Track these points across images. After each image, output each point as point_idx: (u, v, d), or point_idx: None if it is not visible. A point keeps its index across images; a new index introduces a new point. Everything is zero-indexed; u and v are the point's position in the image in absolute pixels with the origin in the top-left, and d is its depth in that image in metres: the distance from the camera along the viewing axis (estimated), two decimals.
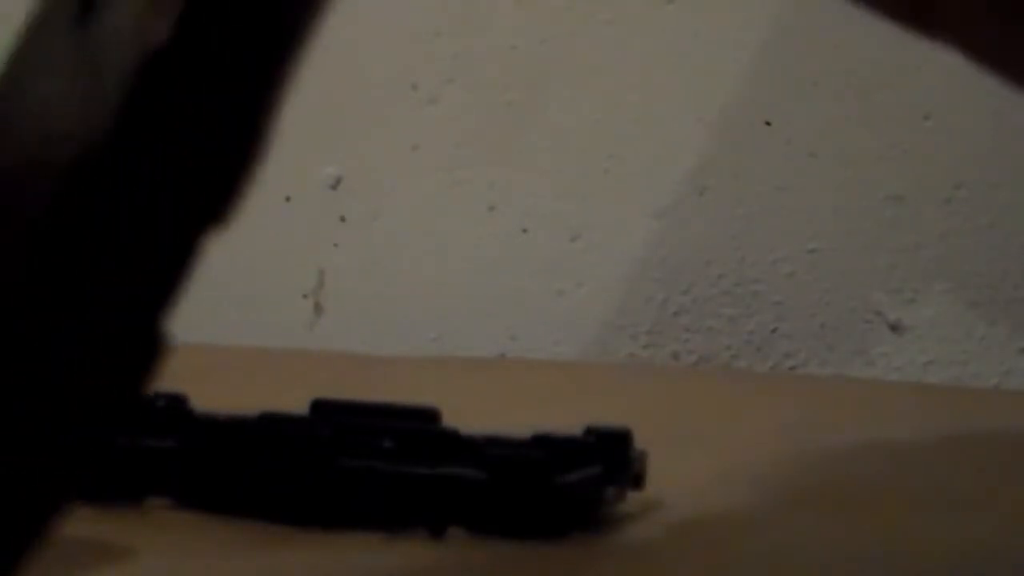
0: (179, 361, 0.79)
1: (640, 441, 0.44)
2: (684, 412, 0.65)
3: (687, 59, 0.98)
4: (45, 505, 0.25)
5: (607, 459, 0.43)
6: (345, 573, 0.38)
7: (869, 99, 0.96)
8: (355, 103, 1.02)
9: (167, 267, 0.25)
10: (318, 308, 1.02)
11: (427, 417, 0.46)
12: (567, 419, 0.45)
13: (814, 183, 0.97)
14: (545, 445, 0.43)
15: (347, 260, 1.02)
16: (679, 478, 0.48)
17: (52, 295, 0.24)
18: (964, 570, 0.39)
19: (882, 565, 0.39)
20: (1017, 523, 0.45)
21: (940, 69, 0.95)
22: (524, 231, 1.00)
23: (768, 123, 0.97)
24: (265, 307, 1.03)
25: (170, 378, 0.52)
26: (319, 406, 0.47)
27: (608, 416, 0.46)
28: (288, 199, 1.03)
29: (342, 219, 1.02)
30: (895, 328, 0.96)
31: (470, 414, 0.46)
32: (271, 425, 0.44)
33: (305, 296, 1.03)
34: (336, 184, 1.02)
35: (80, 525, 0.42)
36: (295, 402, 0.46)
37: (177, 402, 0.47)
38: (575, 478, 0.41)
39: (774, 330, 0.97)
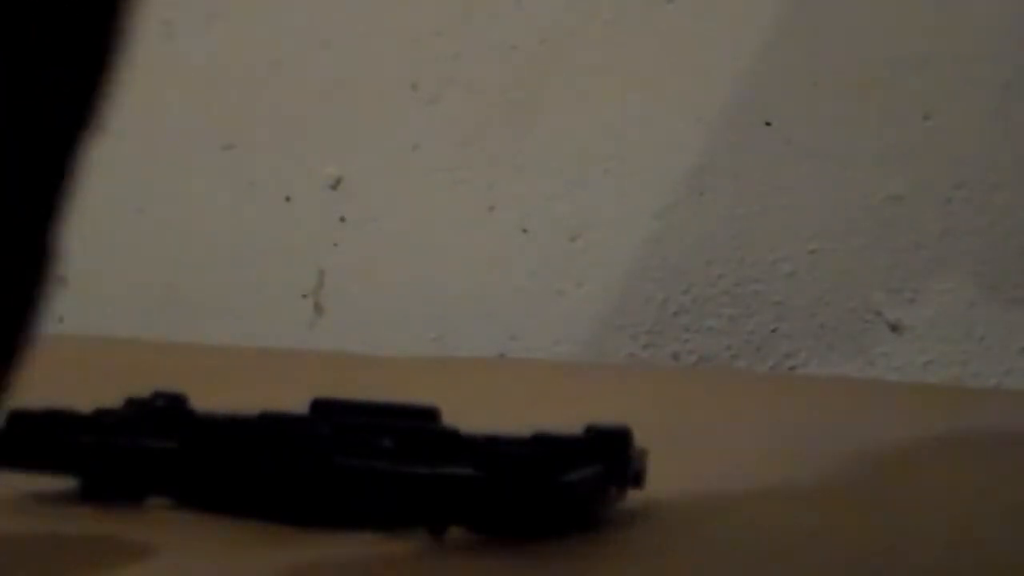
0: (179, 361, 0.79)
1: (640, 441, 0.44)
2: (684, 412, 0.65)
3: (687, 59, 0.98)
4: None
5: (607, 459, 0.43)
6: (345, 573, 0.38)
7: (869, 99, 0.96)
8: (355, 103, 1.02)
9: (44, 179, 0.25)
10: (318, 308, 1.02)
11: (427, 416, 0.46)
12: (567, 419, 0.45)
13: (814, 183, 0.97)
14: (545, 445, 0.43)
15: (347, 260, 1.02)
16: (679, 478, 0.48)
17: None
18: (964, 569, 0.39)
19: (881, 564, 0.39)
20: (1017, 522, 0.45)
21: (940, 69, 0.95)
22: (524, 231, 1.00)
23: (768, 123, 0.97)
24: (265, 307, 1.03)
25: (170, 378, 0.52)
26: (319, 406, 0.47)
27: (608, 416, 0.46)
28: (288, 199, 1.03)
29: (342, 219, 1.02)
30: (895, 328, 0.96)
31: (470, 414, 0.46)
32: (271, 425, 0.44)
33: (305, 296, 1.03)
34: (336, 184, 1.02)
35: (81, 525, 0.42)
36: (295, 402, 0.46)
37: (177, 402, 0.47)
38: (575, 478, 0.41)
39: (774, 330, 0.97)
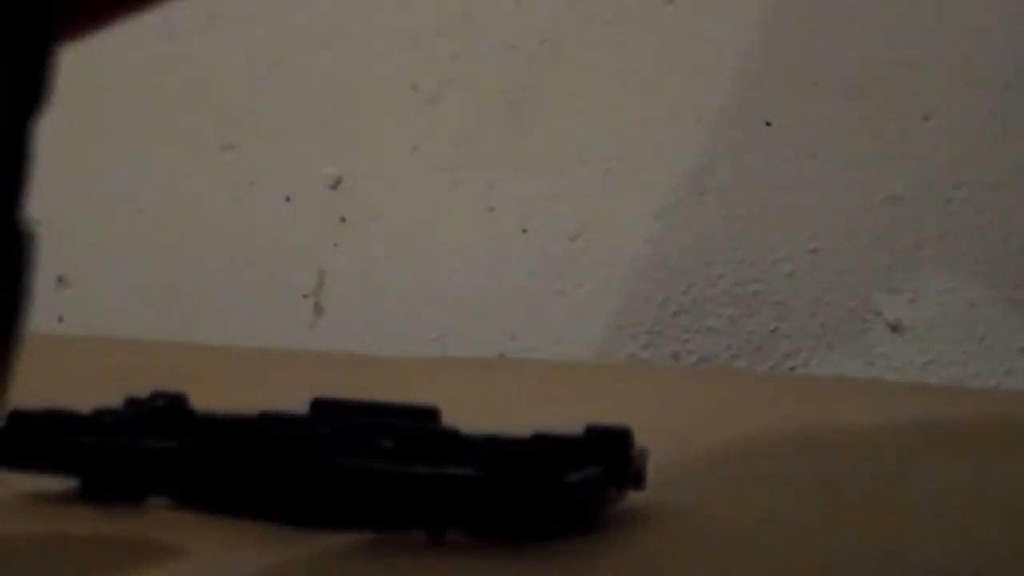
0: (179, 361, 0.79)
1: (640, 441, 0.44)
2: (684, 412, 0.65)
3: (687, 59, 0.98)
4: None
5: (607, 459, 0.43)
6: (345, 573, 0.38)
7: (869, 99, 0.96)
8: (355, 103, 1.02)
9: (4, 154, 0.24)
10: (318, 308, 1.02)
11: (427, 416, 0.46)
12: (567, 419, 0.45)
13: (814, 183, 0.97)
14: (545, 445, 0.43)
15: (347, 260, 1.02)
16: (679, 478, 0.48)
17: None
18: (964, 570, 0.39)
19: (882, 565, 0.39)
20: (1017, 522, 0.45)
21: (940, 69, 0.95)
22: (524, 231, 1.00)
23: (768, 123, 0.97)
24: (265, 307, 1.03)
25: (170, 378, 0.52)
26: (319, 406, 0.47)
27: (608, 416, 0.46)
28: (288, 199, 1.03)
29: (342, 219, 1.02)
30: (895, 328, 0.96)
31: (470, 414, 0.46)
32: (271, 425, 0.44)
33: (305, 296, 1.03)
34: (336, 184, 1.02)
35: (81, 525, 0.42)
36: (295, 402, 0.46)
37: (177, 402, 0.47)
38: (575, 478, 0.41)
39: (774, 330, 0.97)
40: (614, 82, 0.99)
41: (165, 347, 0.87)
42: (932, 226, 0.96)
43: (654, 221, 0.98)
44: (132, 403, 0.47)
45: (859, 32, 0.96)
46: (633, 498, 0.44)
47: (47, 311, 1.01)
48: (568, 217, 0.99)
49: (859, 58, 0.96)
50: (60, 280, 1.03)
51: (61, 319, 0.97)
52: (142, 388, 0.48)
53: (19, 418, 0.44)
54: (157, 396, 0.48)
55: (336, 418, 0.46)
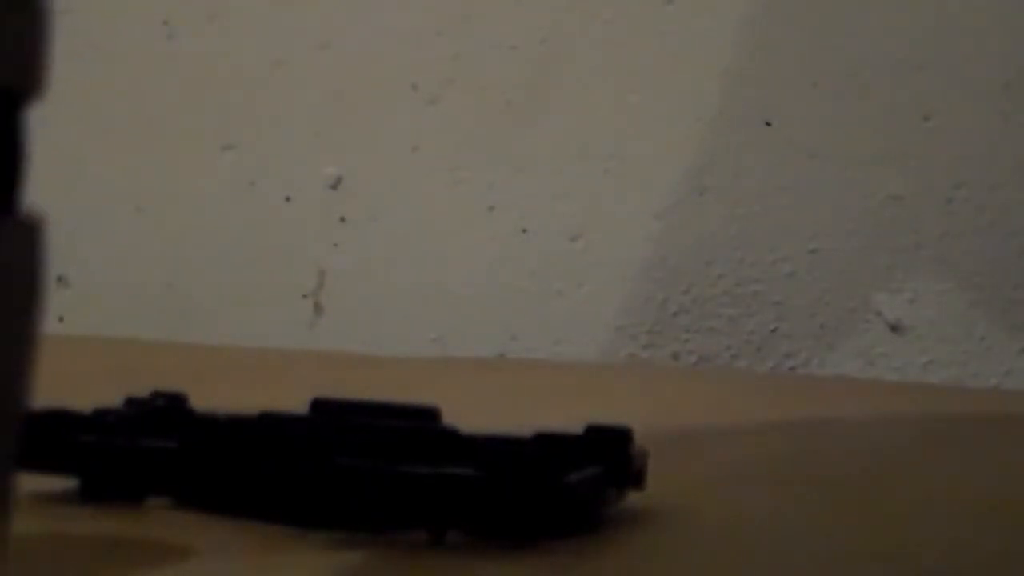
0: (179, 361, 0.79)
1: (640, 441, 0.44)
2: (684, 412, 0.65)
3: (687, 59, 0.98)
4: None
5: (607, 459, 0.43)
6: (345, 573, 0.38)
7: (869, 99, 0.96)
8: (355, 103, 1.02)
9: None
10: (318, 308, 1.02)
11: (427, 416, 0.46)
12: (567, 419, 0.45)
13: (814, 183, 0.97)
14: (545, 445, 0.43)
15: (347, 260, 1.02)
16: (679, 478, 0.48)
17: None
18: (964, 569, 0.39)
19: (882, 564, 0.39)
20: (1018, 523, 0.45)
21: (940, 69, 0.95)
22: (524, 231, 1.00)
23: (768, 123, 0.97)
24: (265, 307, 1.03)
25: (170, 378, 0.52)
26: (319, 406, 0.47)
27: (608, 416, 0.46)
28: (288, 199, 1.03)
29: (342, 219, 1.02)
30: (895, 328, 0.96)
31: (470, 414, 0.46)
32: (271, 425, 0.44)
33: (305, 296, 1.03)
34: (336, 184, 1.02)
35: (81, 525, 0.42)
36: (295, 402, 0.46)
37: (177, 402, 0.47)
38: (575, 478, 0.41)
39: (774, 330, 0.97)
40: (614, 82, 0.99)
41: (165, 347, 0.87)
42: (932, 226, 0.96)
43: (654, 221, 0.98)
44: (132, 403, 0.47)
45: (859, 32, 0.96)
46: (633, 498, 0.44)
47: (47, 311, 1.00)
48: (568, 217, 0.99)
49: (859, 58, 0.96)
50: (60, 280, 1.03)
51: (61, 319, 0.97)
52: (142, 388, 0.48)
53: None
54: (157, 396, 0.47)
55: (336, 418, 0.46)
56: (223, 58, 1.04)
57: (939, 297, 0.96)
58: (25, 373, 0.25)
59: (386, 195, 1.02)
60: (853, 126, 0.96)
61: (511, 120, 1.00)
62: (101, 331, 0.98)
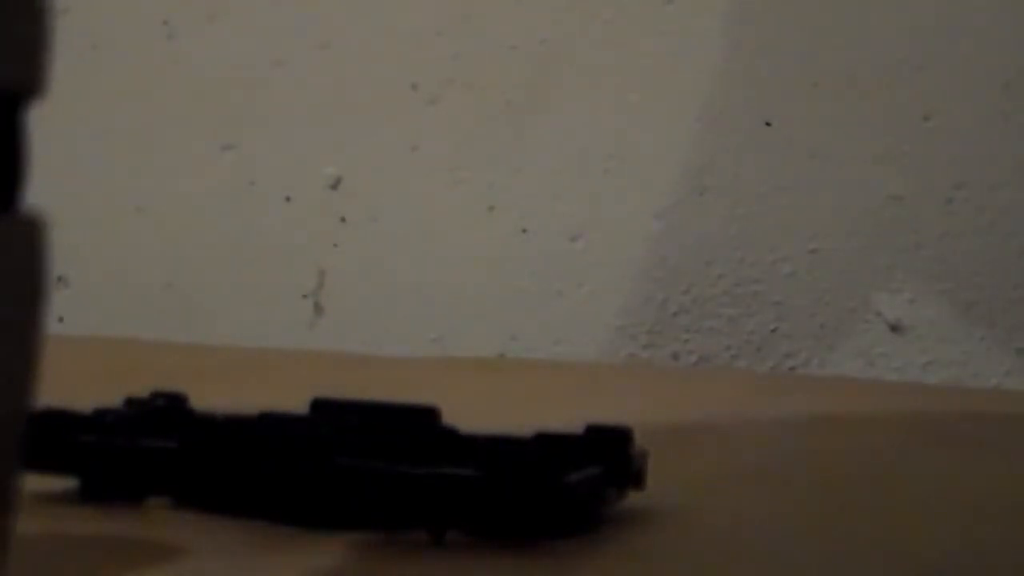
0: (179, 361, 0.79)
1: (640, 441, 0.44)
2: (684, 412, 0.65)
3: (687, 59, 0.98)
4: None
5: (607, 459, 0.43)
6: (344, 573, 0.38)
7: (869, 99, 0.96)
8: (355, 103, 1.02)
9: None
10: (318, 308, 1.02)
11: (427, 416, 0.46)
12: (567, 419, 0.45)
13: (814, 183, 0.97)
14: (545, 445, 0.43)
15: (347, 260, 1.02)
16: (679, 478, 0.48)
17: None
18: (964, 569, 0.39)
19: (882, 564, 0.39)
20: (1018, 523, 0.45)
21: (940, 69, 0.95)
22: (524, 231, 1.00)
23: (768, 123, 0.97)
24: (265, 307, 1.03)
25: (170, 378, 0.52)
26: (319, 406, 0.47)
27: (608, 416, 0.46)
28: (288, 199, 1.03)
29: (342, 219, 1.02)
30: (895, 328, 0.96)
31: (470, 414, 0.46)
32: (271, 425, 0.44)
33: (305, 296, 1.03)
34: (336, 184, 1.02)
35: (81, 525, 0.42)
36: (295, 402, 0.46)
37: (177, 402, 0.47)
38: (575, 478, 0.41)
39: (774, 330, 0.97)
40: (614, 82, 0.99)
41: (165, 347, 0.87)
42: (932, 226, 0.96)
43: (654, 221, 0.98)
44: (132, 403, 0.47)
45: (859, 32, 0.96)
46: (633, 498, 0.44)
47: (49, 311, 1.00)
48: (568, 217, 0.99)
49: (859, 58, 0.96)
50: (60, 280, 1.03)
51: (61, 319, 0.97)
52: (142, 388, 0.48)
53: None
54: (157, 396, 0.48)
55: (336, 418, 0.46)
56: (223, 58, 1.04)
57: (939, 297, 0.96)
58: (29, 373, 0.25)
59: (386, 195, 1.02)
60: (853, 126, 0.96)
61: (511, 120, 1.00)
62: (101, 331, 0.98)
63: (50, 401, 0.45)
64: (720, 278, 0.98)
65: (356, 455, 0.42)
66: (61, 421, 0.45)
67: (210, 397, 0.48)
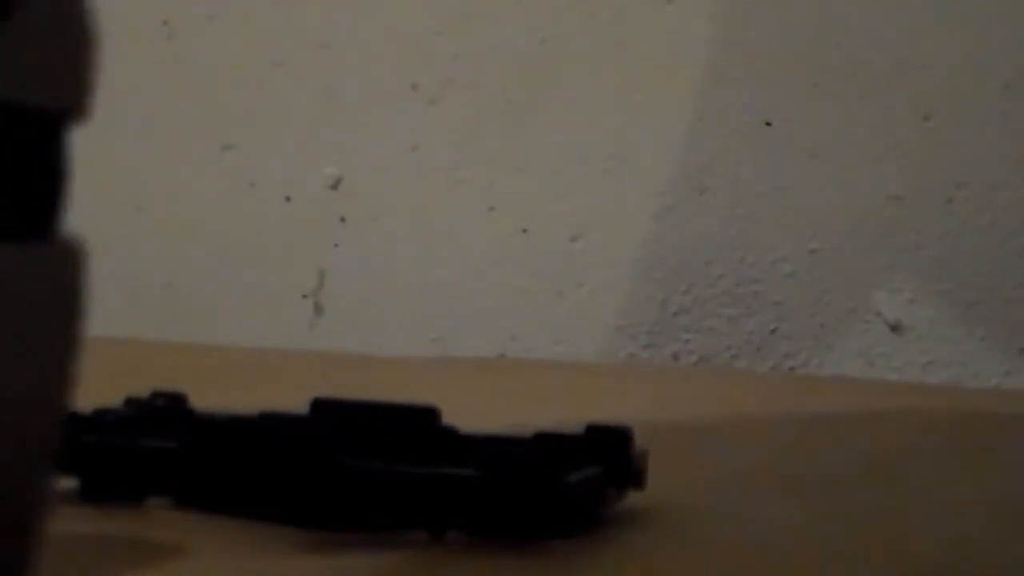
0: (179, 361, 0.79)
1: (640, 441, 0.44)
2: (684, 412, 0.65)
3: (687, 59, 0.98)
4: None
5: (607, 459, 0.43)
6: (345, 573, 0.38)
7: (869, 99, 0.96)
8: (355, 103, 1.02)
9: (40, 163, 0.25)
10: (318, 308, 1.02)
11: (427, 416, 0.46)
12: (567, 419, 0.45)
13: (814, 183, 0.97)
14: (545, 445, 0.43)
15: (347, 260, 1.02)
16: (679, 478, 0.48)
17: None
18: (964, 570, 0.39)
19: (882, 565, 0.39)
20: (1018, 523, 0.45)
21: (940, 69, 0.95)
22: (524, 231, 1.00)
23: (768, 123, 0.97)
24: (265, 307, 1.03)
25: (170, 378, 0.52)
26: (319, 406, 0.47)
27: (608, 416, 0.46)
28: (288, 199, 1.03)
29: (342, 219, 1.02)
30: (895, 328, 0.96)
31: (470, 414, 0.46)
32: (271, 425, 0.44)
33: (305, 296, 1.03)
34: (336, 184, 1.02)
35: (80, 525, 0.42)
36: (295, 402, 0.46)
37: (177, 402, 0.47)
38: (575, 478, 0.41)
39: (774, 330, 0.97)
40: (614, 82, 0.99)
41: (165, 347, 0.87)
42: (932, 226, 0.96)
43: (654, 221, 0.98)
44: (132, 403, 0.47)
45: (859, 32, 0.96)
46: (633, 498, 0.44)
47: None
48: (568, 217, 0.99)
49: (859, 58, 0.96)
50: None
51: None
52: (142, 388, 0.48)
53: None
54: (157, 396, 0.47)
55: (336, 418, 0.46)
56: (223, 58, 1.04)
57: (939, 297, 0.96)
58: (65, 391, 0.26)
59: (386, 195, 1.02)
60: (853, 126, 0.96)
61: (511, 120, 1.00)
62: (101, 331, 0.98)
63: None
64: (720, 278, 0.98)
65: (356, 455, 0.42)
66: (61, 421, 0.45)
67: (210, 397, 0.48)
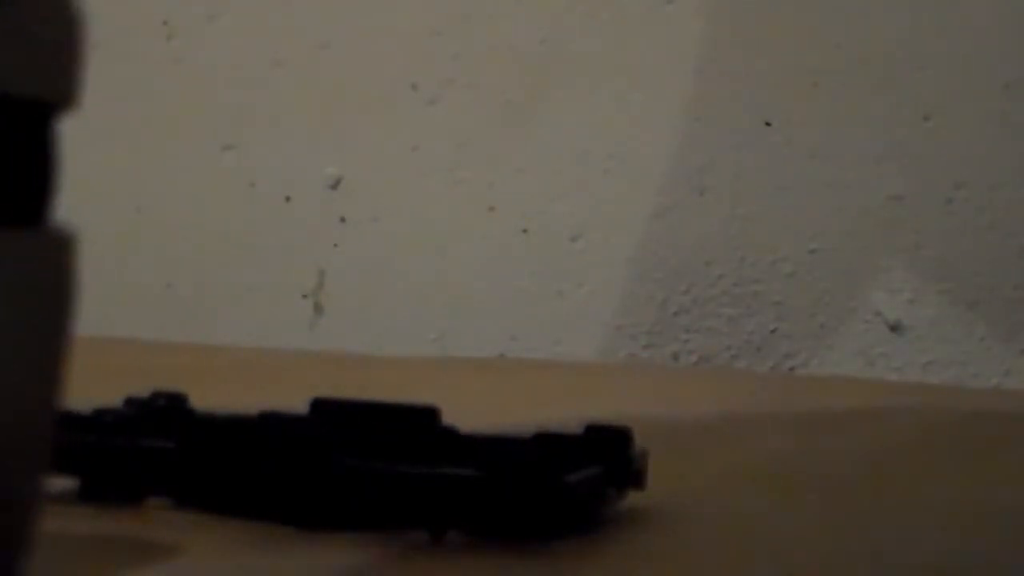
0: (179, 361, 0.79)
1: (640, 441, 0.44)
2: (684, 412, 0.65)
3: (687, 59, 0.98)
4: None
5: (607, 459, 0.43)
6: (345, 573, 0.38)
7: (869, 99, 0.96)
8: (355, 103, 1.02)
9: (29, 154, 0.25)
10: (318, 308, 1.02)
11: (427, 416, 0.46)
12: (567, 419, 0.45)
13: (814, 183, 0.97)
14: (545, 445, 0.43)
15: (347, 260, 1.02)
16: (679, 478, 0.48)
17: None
18: (964, 569, 0.39)
19: (882, 565, 0.39)
20: (1017, 523, 0.45)
21: (940, 69, 0.95)
22: (524, 231, 1.00)
23: (768, 123, 0.97)
24: (265, 307, 1.03)
25: (170, 378, 0.52)
26: (319, 406, 0.47)
27: (608, 416, 0.46)
28: (288, 199, 1.03)
29: (342, 219, 1.02)
30: (895, 328, 0.96)
31: (470, 414, 0.46)
32: (271, 425, 0.44)
33: (305, 296, 1.03)
34: (336, 184, 1.02)
35: (81, 525, 0.42)
36: (295, 402, 0.46)
37: (177, 402, 0.47)
38: (575, 478, 0.41)
39: (774, 330, 0.97)
40: (614, 82, 0.99)
41: (165, 347, 0.87)
42: (932, 226, 0.96)
43: (654, 221, 0.98)
44: (132, 403, 0.47)
45: (859, 32, 0.96)
46: (633, 498, 0.44)
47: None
48: (568, 217, 0.99)
49: (859, 58, 0.96)
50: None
51: None
52: (142, 388, 0.48)
53: None
54: (157, 396, 0.47)
55: (336, 418, 0.46)
56: (223, 58, 1.04)
57: (939, 297, 0.96)
58: (57, 383, 0.26)
59: (386, 195, 1.02)
60: (853, 126, 0.96)
61: (511, 120, 1.00)
62: (101, 331, 0.98)
63: None
64: (720, 278, 0.98)
65: (356, 455, 0.42)
66: (61, 421, 0.45)
67: (210, 397, 0.48)
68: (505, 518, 0.40)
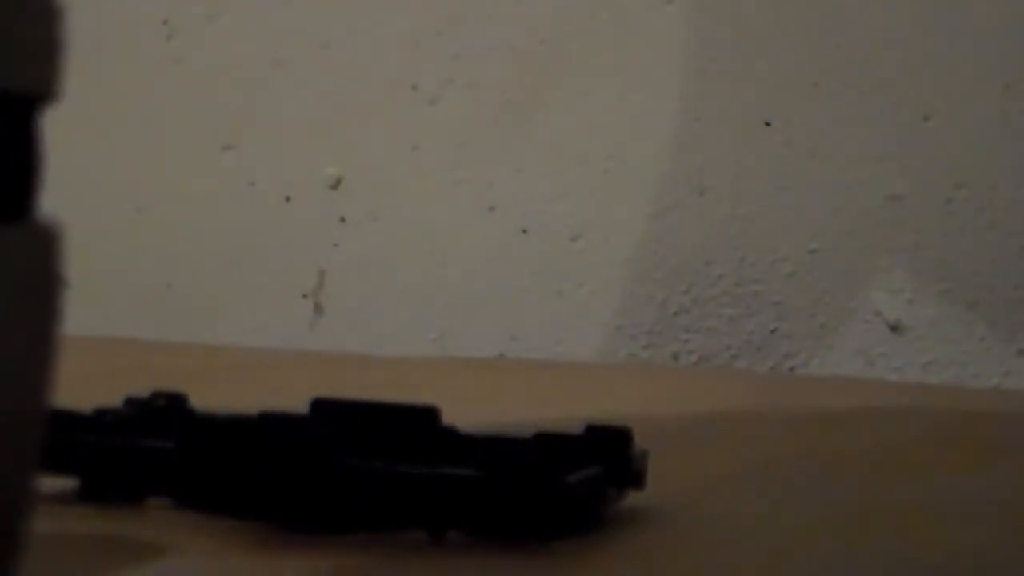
0: (179, 361, 0.79)
1: (640, 441, 0.44)
2: (684, 412, 0.65)
3: (687, 59, 0.98)
4: None
5: (607, 459, 0.43)
6: (344, 573, 0.38)
7: (869, 99, 0.96)
8: (355, 103, 1.02)
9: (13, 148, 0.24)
10: (318, 308, 1.02)
11: (426, 416, 0.46)
12: (567, 419, 0.45)
13: (814, 183, 0.97)
14: (545, 445, 0.43)
15: (347, 260, 1.02)
16: (679, 478, 0.48)
17: None
18: (964, 570, 0.39)
19: (882, 565, 0.39)
20: (1017, 523, 0.45)
21: (940, 69, 0.95)
22: (524, 231, 1.00)
23: (768, 123, 0.97)
24: (265, 307, 1.03)
25: (170, 378, 0.52)
26: (319, 406, 0.47)
27: (608, 416, 0.46)
28: (288, 199, 1.03)
29: (342, 219, 1.02)
30: (895, 328, 0.96)
31: (470, 414, 0.46)
32: (271, 425, 0.44)
33: (305, 296, 1.03)
34: (336, 184, 1.02)
35: (81, 525, 0.42)
36: (295, 402, 0.46)
37: (177, 402, 0.47)
38: (575, 478, 0.41)
39: (774, 330, 0.97)
40: (614, 82, 0.99)
41: (165, 347, 0.87)
42: (932, 226, 0.96)
43: (654, 221, 0.98)
44: (132, 403, 0.47)
45: (859, 32, 0.96)
46: (633, 498, 0.44)
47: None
48: (568, 217, 0.99)
49: (859, 58, 0.96)
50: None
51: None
52: (142, 388, 0.48)
53: None
54: (157, 396, 0.47)
55: (336, 418, 0.46)
56: (223, 58, 1.04)
57: (939, 297, 0.96)
58: (45, 377, 0.26)
59: (386, 195, 1.02)
60: (853, 126, 0.96)
61: (511, 120, 1.00)
62: (101, 331, 0.98)
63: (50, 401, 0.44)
64: (720, 278, 0.98)
65: (356, 455, 0.42)
66: (61, 421, 0.45)
67: (210, 397, 0.48)
68: (505, 518, 0.40)
